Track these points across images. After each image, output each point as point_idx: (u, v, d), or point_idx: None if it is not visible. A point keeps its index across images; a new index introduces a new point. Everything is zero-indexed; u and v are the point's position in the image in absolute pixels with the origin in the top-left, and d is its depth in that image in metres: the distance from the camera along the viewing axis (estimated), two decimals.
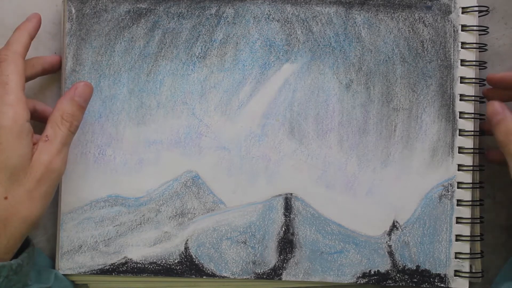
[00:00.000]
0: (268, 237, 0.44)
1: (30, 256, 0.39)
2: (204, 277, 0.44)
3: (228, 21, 0.45)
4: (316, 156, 0.44)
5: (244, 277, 0.44)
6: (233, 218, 0.44)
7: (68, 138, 0.39)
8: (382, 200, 0.44)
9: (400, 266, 0.44)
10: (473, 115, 0.44)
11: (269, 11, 0.45)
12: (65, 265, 0.44)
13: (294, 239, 0.44)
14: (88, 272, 0.44)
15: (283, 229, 0.44)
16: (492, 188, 0.46)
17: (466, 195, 0.44)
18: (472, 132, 0.44)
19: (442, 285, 0.44)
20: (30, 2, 0.46)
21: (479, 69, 0.44)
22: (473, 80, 0.44)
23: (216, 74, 0.45)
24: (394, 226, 0.44)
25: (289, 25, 0.45)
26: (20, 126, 0.37)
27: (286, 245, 0.44)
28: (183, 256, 0.44)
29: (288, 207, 0.44)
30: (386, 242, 0.44)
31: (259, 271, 0.44)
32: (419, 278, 0.44)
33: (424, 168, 0.44)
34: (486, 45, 0.45)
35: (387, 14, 0.44)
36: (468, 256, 0.44)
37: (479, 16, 0.44)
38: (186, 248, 0.44)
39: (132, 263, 0.44)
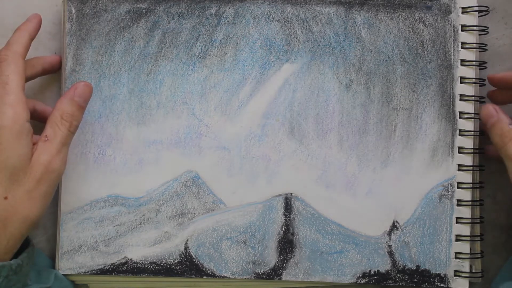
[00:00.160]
0: (268, 237, 0.44)
1: (30, 256, 0.39)
2: (204, 277, 0.44)
3: (228, 21, 0.45)
4: (316, 156, 0.44)
5: (244, 277, 0.44)
6: (233, 218, 0.44)
7: (68, 138, 0.39)
8: (382, 200, 0.44)
9: (400, 266, 0.44)
10: (473, 115, 0.44)
11: (269, 11, 0.45)
12: (65, 265, 0.44)
13: (294, 239, 0.44)
14: (88, 272, 0.44)
15: (283, 229, 0.44)
16: (492, 188, 0.46)
17: (466, 195, 0.44)
18: (472, 132, 0.44)
19: (442, 285, 0.44)
20: (30, 2, 0.46)
21: (479, 69, 0.44)
22: (473, 80, 0.44)
23: (216, 74, 0.45)
24: (394, 226, 0.44)
25: (289, 25, 0.45)
26: (20, 126, 0.37)
27: (286, 245, 0.44)
28: (183, 256, 0.44)
29: (288, 207, 0.44)
30: (386, 242, 0.44)
31: (259, 271, 0.44)
32: (419, 278, 0.44)
33: (424, 168, 0.44)
34: (486, 45, 0.45)
35: (387, 14, 0.44)
36: (468, 256, 0.44)
37: (479, 16, 0.44)
38: (186, 248, 0.44)
39: (132, 263, 0.44)
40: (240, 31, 0.45)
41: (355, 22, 0.44)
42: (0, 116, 0.37)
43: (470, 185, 0.44)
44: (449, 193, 0.44)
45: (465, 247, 0.44)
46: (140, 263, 0.44)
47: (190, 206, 0.44)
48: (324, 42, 0.45)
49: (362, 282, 0.44)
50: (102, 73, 0.44)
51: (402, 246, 0.44)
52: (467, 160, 0.44)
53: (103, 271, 0.44)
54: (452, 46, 0.44)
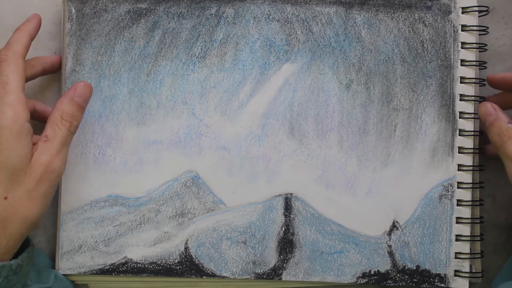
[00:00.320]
0: (268, 237, 0.44)
1: (30, 256, 0.39)
2: (204, 277, 0.44)
3: (228, 21, 0.45)
4: (316, 156, 0.44)
5: (244, 277, 0.44)
6: (233, 218, 0.44)
7: (68, 138, 0.39)
8: (382, 200, 0.44)
9: (400, 266, 0.44)
10: (473, 115, 0.44)
11: (269, 11, 0.45)
12: (65, 265, 0.44)
13: (294, 239, 0.44)
14: (88, 272, 0.44)
15: (283, 229, 0.44)
16: (492, 188, 0.46)
17: (466, 195, 0.44)
18: (472, 132, 0.44)
19: (442, 285, 0.44)
20: (30, 2, 0.46)
21: (479, 69, 0.44)
22: (473, 80, 0.44)
23: (216, 74, 0.45)
24: (394, 226, 0.44)
25: (289, 25, 0.45)
26: (20, 126, 0.37)
27: (286, 245, 0.44)
28: (183, 256, 0.44)
29: (288, 207, 0.44)
30: (386, 242, 0.44)
31: (259, 271, 0.44)
32: (419, 278, 0.44)
33: (424, 168, 0.44)
34: (486, 45, 0.45)
35: (387, 14, 0.44)
36: (468, 256, 0.44)
37: (479, 16, 0.44)
38: (186, 248, 0.44)
39: (132, 263, 0.44)
40: (240, 31, 0.45)
41: (355, 22, 0.44)
42: (0, 116, 0.37)
43: (470, 185, 0.44)
44: (449, 193, 0.44)
45: (465, 247, 0.44)
46: (140, 263, 0.44)
47: (190, 206, 0.44)
48: (324, 42, 0.45)
49: (362, 282, 0.44)
50: (102, 73, 0.44)
51: (402, 246, 0.44)
52: (467, 160, 0.44)
53: (103, 271, 0.44)
54: (452, 46, 0.44)
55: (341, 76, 0.44)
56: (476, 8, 0.44)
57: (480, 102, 0.44)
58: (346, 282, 0.44)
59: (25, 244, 0.39)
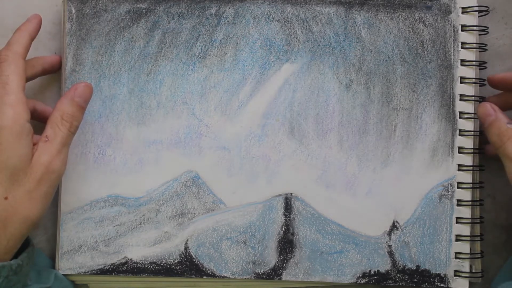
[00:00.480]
0: (268, 237, 0.44)
1: (30, 256, 0.39)
2: (204, 277, 0.44)
3: (228, 21, 0.45)
4: (316, 156, 0.44)
5: (244, 277, 0.44)
6: (233, 218, 0.44)
7: (68, 139, 0.39)
8: (382, 200, 0.44)
9: (400, 266, 0.44)
10: (473, 115, 0.44)
11: (269, 11, 0.45)
12: (65, 265, 0.44)
13: (294, 239, 0.44)
14: (88, 272, 0.44)
15: (283, 229, 0.44)
16: (492, 188, 0.46)
17: (466, 195, 0.44)
18: (472, 132, 0.44)
19: (442, 285, 0.44)
20: (30, 2, 0.46)
21: (479, 69, 0.44)
22: (473, 80, 0.44)
23: (216, 74, 0.45)
24: (394, 226, 0.44)
25: (289, 25, 0.45)
26: (20, 126, 0.37)
27: (286, 245, 0.44)
28: (183, 256, 0.44)
29: (288, 207, 0.44)
30: (386, 242, 0.44)
31: (259, 271, 0.44)
32: (419, 278, 0.44)
33: (424, 168, 0.44)
34: (486, 45, 0.45)
35: (387, 14, 0.44)
36: (468, 256, 0.44)
37: (479, 16, 0.44)
38: (186, 248, 0.44)
39: (132, 263, 0.44)
40: (240, 31, 0.45)
41: (355, 22, 0.44)
42: (0, 116, 0.37)
43: (470, 185, 0.44)
44: (449, 193, 0.44)
45: (465, 247, 0.44)
46: (140, 263, 0.44)
47: (190, 206, 0.44)
48: (324, 42, 0.45)
49: (362, 282, 0.44)
50: (102, 73, 0.44)
51: (402, 246, 0.44)
52: (467, 160, 0.44)
53: (103, 271, 0.44)
54: (452, 46, 0.44)
55: (341, 76, 0.44)
56: (476, 8, 0.44)
57: (480, 102, 0.44)
58: (346, 282, 0.44)
59: (25, 244, 0.39)
